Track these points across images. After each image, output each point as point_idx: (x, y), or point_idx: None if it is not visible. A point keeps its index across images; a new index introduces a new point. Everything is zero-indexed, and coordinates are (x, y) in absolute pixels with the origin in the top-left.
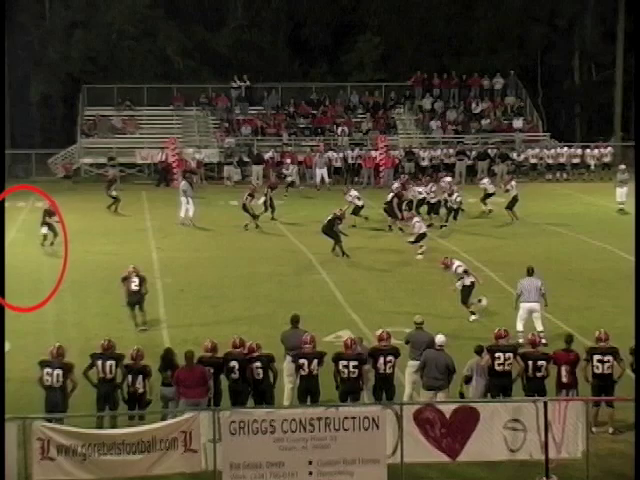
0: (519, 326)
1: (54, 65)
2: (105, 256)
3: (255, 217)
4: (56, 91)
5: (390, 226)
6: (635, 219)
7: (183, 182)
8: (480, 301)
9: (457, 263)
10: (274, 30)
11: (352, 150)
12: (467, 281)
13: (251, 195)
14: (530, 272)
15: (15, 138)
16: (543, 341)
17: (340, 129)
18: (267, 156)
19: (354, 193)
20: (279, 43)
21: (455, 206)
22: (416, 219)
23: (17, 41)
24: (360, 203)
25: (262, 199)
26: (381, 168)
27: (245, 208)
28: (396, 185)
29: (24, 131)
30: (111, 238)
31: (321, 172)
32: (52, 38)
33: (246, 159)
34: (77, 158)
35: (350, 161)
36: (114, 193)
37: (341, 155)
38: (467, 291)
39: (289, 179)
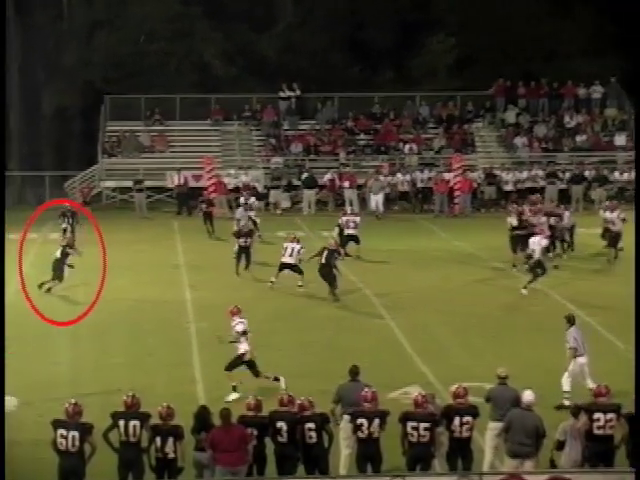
0: (567, 385)
1: (72, 72)
2: (132, 295)
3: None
4: (74, 102)
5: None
6: (635, 229)
7: (239, 209)
8: (277, 379)
9: (238, 320)
10: (330, 31)
11: (422, 172)
12: (241, 348)
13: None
14: (573, 321)
15: (25, 158)
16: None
17: (408, 147)
18: (326, 178)
19: (345, 218)
20: (335, 46)
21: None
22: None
23: (29, 44)
24: (352, 232)
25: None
26: (456, 193)
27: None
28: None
29: (36, 150)
30: (138, 275)
31: (375, 199)
32: (70, 40)
33: (296, 182)
34: (98, 181)
35: (419, 185)
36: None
37: (409, 178)
38: (238, 361)
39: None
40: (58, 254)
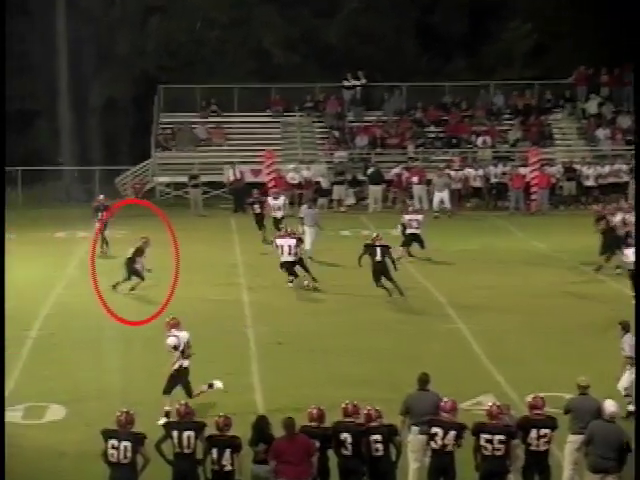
0: None
1: (123, 61)
2: (187, 298)
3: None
4: (125, 93)
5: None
6: (635, 228)
7: (303, 206)
8: (211, 386)
9: (174, 332)
10: (397, 16)
11: (496, 166)
12: (185, 363)
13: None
14: (628, 327)
15: (74, 152)
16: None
17: (481, 139)
18: (393, 173)
19: (408, 217)
20: (403, 32)
21: None
22: None
23: (78, 32)
24: (414, 231)
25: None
26: (533, 189)
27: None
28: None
29: (85, 143)
30: (195, 275)
31: (440, 196)
32: (122, 27)
33: (361, 178)
34: (151, 176)
35: (493, 180)
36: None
37: (481, 172)
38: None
39: (278, 213)
40: (130, 254)
